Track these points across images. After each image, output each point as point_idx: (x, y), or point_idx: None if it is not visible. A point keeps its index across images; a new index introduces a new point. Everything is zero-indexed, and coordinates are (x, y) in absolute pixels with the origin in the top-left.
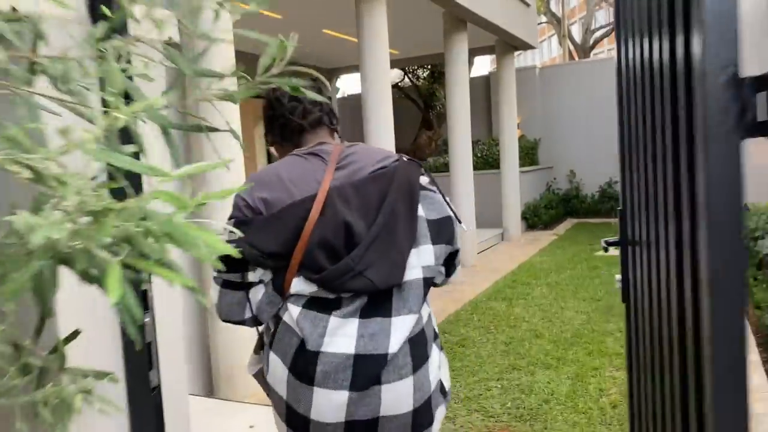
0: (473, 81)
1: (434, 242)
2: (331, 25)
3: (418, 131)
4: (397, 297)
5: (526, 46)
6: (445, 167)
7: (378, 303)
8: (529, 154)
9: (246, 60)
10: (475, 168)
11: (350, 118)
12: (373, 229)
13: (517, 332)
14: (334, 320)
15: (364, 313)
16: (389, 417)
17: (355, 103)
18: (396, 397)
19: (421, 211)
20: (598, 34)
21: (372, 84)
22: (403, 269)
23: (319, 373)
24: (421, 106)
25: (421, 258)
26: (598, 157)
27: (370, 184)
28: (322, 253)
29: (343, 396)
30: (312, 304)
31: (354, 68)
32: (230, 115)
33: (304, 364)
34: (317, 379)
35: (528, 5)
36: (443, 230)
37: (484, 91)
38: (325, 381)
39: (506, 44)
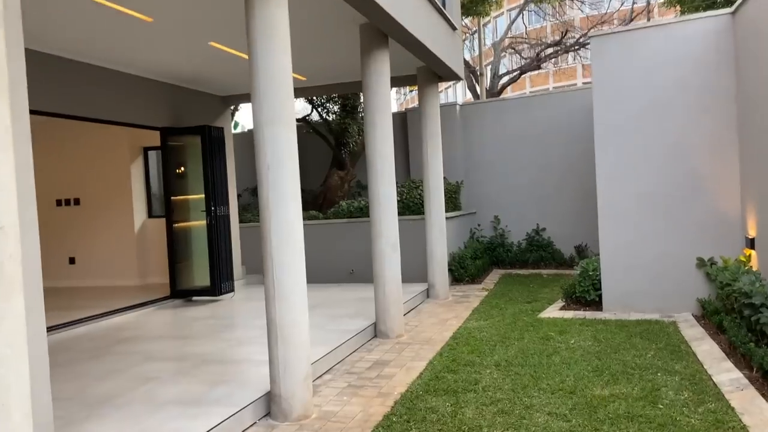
0: None
1: None
2: (219, 37)
3: (329, 171)
4: None
5: (452, 76)
6: (360, 212)
7: None
8: (451, 199)
9: (48, 62)
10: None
11: (250, 156)
12: None
13: None
14: None
15: None
16: None
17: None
18: None
19: None
20: (504, 80)
21: (270, 109)
22: None
23: None
24: (332, 144)
25: None
26: (524, 201)
27: None
28: None
29: None
30: None
31: None
32: None
33: None
34: None
35: (454, 29)
36: None
37: (400, 129)
38: None
39: (431, 73)
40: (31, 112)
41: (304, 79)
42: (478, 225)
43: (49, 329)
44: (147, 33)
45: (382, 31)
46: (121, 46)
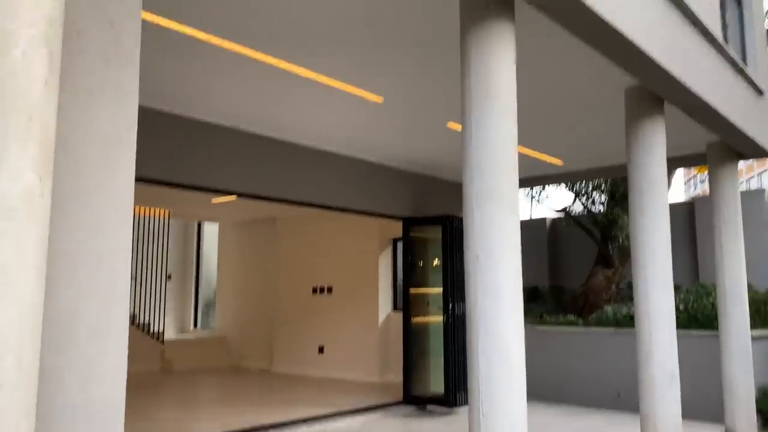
0: (670, 209)
1: None
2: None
3: (592, 269)
4: None
5: (756, 152)
6: (631, 321)
7: None
8: (759, 312)
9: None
10: (677, 326)
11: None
12: None
13: None
14: None
15: None
16: None
17: None
18: None
19: None
20: None
21: (483, 183)
22: None
23: None
24: (597, 238)
25: None
26: None
27: None
28: None
29: None
30: None
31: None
32: None
33: None
34: None
35: (761, 93)
36: None
37: (686, 222)
38: None
39: (726, 149)
40: (278, 200)
41: (560, 163)
42: None
43: (274, 427)
44: (378, 115)
45: (655, 94)
46: (355, 131)
